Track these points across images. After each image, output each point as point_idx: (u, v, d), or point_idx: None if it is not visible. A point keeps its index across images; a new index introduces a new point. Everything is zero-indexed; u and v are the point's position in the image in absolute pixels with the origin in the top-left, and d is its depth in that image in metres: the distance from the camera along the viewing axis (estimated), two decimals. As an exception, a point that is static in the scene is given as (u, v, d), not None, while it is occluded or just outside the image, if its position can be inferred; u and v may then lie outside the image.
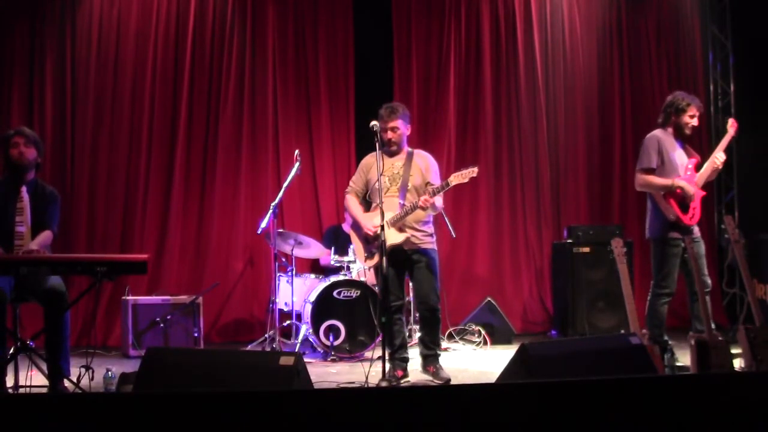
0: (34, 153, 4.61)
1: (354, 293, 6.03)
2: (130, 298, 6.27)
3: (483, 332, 6.65)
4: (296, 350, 5.85)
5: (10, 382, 4.46)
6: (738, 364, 4.83)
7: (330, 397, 2.69)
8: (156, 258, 7.00)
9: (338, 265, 6.39)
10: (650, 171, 5.18)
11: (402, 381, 4.98)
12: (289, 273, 6.33)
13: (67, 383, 4.37)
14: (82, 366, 4.39)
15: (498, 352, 6.29)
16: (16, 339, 4.39)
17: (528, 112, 7.78)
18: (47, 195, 4.68)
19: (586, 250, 6.87)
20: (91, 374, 4.44)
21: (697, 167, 5.26)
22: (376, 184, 4.92)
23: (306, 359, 4.68)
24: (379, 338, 5.45)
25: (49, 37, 7.04)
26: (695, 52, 8.09)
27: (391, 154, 5.11)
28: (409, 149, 5.17)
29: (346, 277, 6.15)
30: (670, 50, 8.07)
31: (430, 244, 5.06)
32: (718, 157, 5.23)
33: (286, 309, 6.39)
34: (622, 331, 6.08)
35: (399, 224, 4.94)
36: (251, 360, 3.96)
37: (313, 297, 6.03)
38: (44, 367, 4.41)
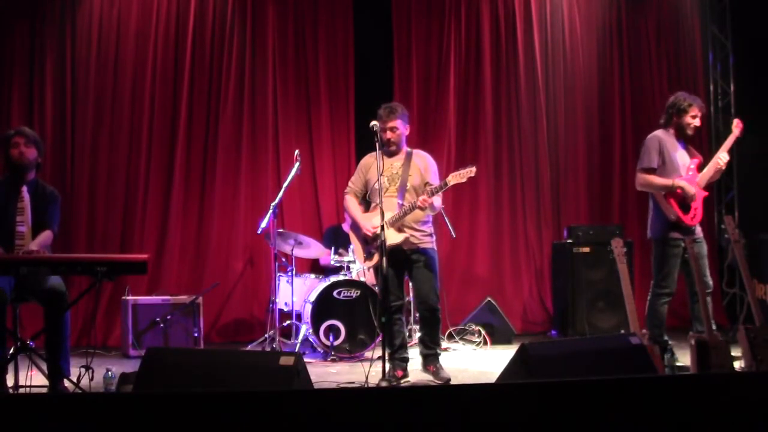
0: (34, 153, 4.62)
1: (354, 293, 6.03)
2: (130, 298, 6.27)
3: (483, 332, 6.65)
4: (296, 350, 5.85)
5: (10, 382, 4.46)
6: (738, 364, 4.83)
7: (330, 397, 2.69)
8: (156, 258, 7.00)
9: (338, 265, 6.39)
10: (651, 171, 5.18)
11: (402, 381, 4.97)
12: (289, 273, 6.33)
13: (67, 383, 4.38)
14: (82, 366, 4.39)
15: (498, 352, 6.29)
16: (16, 339, 4.39)
17: (528, 112, 7.78)
18: (48, 195, 4.68)
19: (586, 250, 6.87)
20: (91, 374, 4.44)
21: (700, 168, 5.25)
22: (376, 184, 4.91)
23: (306, 359, 4.68)
24: (379, 338, 5.45)
25: (49, 37, 7.04)
26: (695, 52, 8.09)
27: (390, 154, 5.10)
28: (408, 149, 5.16)
29: (346, 277, 6.15)
30: (670, 50, 8.07)
31: (429, 243, 5.05)
32: (722, 157, 5.21)
33: (286, 309, 6.39)
34: (622, 331, 6.07)
35: (398, 224, 4.93)
36: (251, 360, 3.95)
37: (313, 297, 6.03)
38: (44, 367, 4.41)
